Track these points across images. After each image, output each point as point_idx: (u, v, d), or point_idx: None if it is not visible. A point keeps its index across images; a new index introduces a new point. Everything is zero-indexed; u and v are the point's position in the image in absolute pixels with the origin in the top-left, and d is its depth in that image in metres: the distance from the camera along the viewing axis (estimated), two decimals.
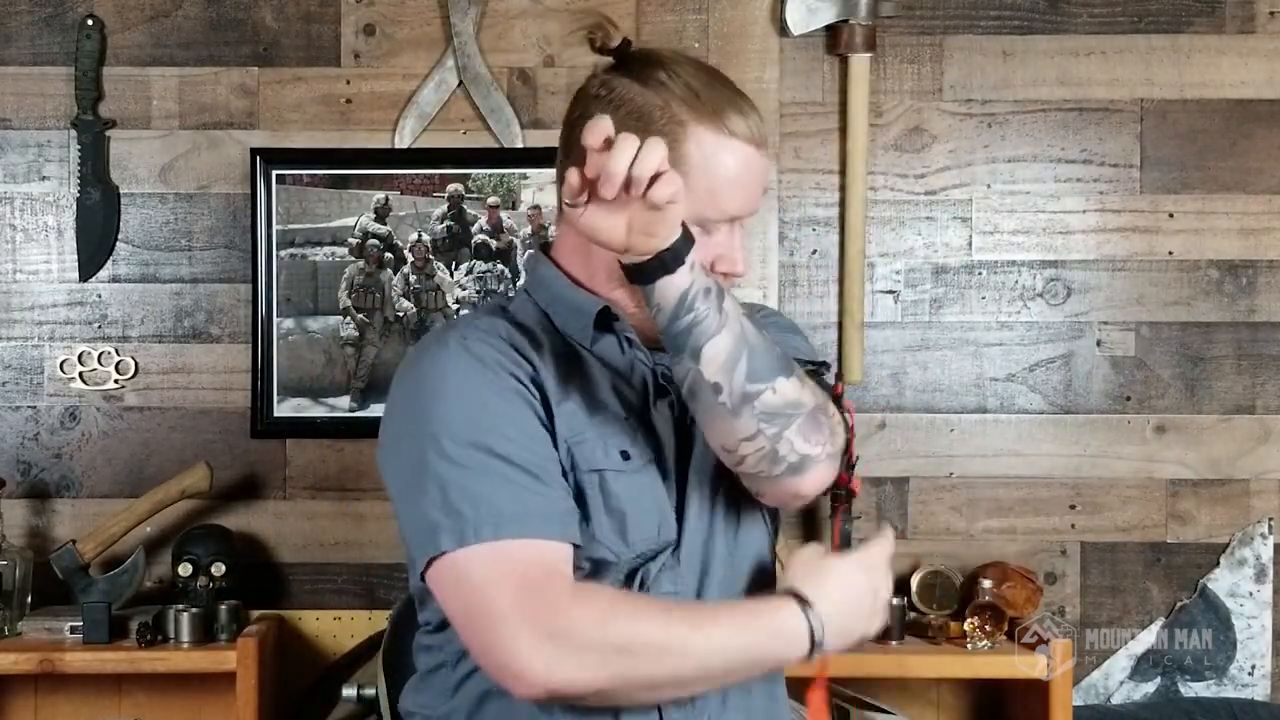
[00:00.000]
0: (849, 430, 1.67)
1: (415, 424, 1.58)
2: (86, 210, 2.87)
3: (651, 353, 1.68)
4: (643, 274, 1.48)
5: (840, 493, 1.79)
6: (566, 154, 1.67)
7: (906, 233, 2.91)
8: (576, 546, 1.57)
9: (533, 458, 1.57)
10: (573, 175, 1.44)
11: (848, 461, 1.65)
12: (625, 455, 1.62)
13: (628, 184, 1.41)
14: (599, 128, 1.42)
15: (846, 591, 1.59)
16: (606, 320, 1.66)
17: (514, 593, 1.49)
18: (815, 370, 1.67)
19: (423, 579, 1.57)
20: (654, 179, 1.42)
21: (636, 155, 1.41)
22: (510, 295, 1.85)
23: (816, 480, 1.58)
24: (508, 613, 1.49)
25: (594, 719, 1.58)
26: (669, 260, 1.47)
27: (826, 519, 2.83)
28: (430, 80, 2.86)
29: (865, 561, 1.63)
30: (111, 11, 2.87)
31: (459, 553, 1.52)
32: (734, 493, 1.66)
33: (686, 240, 1.48)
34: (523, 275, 2.32)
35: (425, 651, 1.72)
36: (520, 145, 2.85)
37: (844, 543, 2.76)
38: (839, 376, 1.69)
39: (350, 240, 2.87)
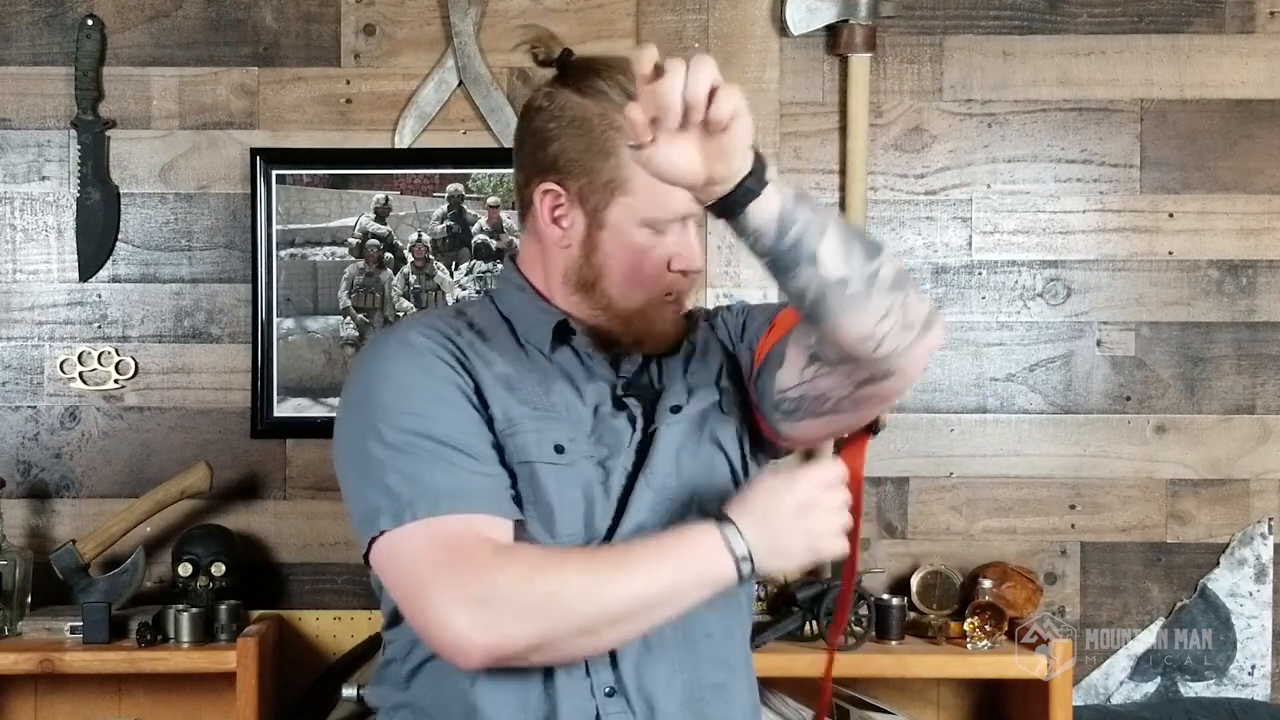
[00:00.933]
0: None
1: (358, 415, 1.64)
2: (86, 210, 2.87)
3: (612, 366, 1.73)
4: (731, 206, 1.44)
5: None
6: (525, 164, 1.71)
7: (906, 233, 2.91)
8: (519, 523, 1.61)
9: (469, 440, 1.61)
10: (633, 112, 1.38)
11: None
12: (559, 449, 1.65)
13: (687, 112, 1.36)
14: (646, 55, 1.38)
15: (771, 504, 1.58)
16: (564, 334, 1.71)
17: (439, 564, 1.53)
18: None
19: (367, 563, 1.62)
20: (710, 98, 1.36)
21: (687, 80, 1.35)
22: (477, 296, 1.89)
23: (940, 332, 1.60)
24: (433, 583, 1.52)
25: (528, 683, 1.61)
26: (753, 183, 1.43)
27: None
28: (430, 80, 2.86)
29: (796, 477, 1.61)
30: (111, 11, 2.87)
31: (395, 532, 1.56)
32: (696, 500, 1.69)
33: (759, 158, 1.44)
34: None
35: (384, 646, 1.77)
36: None
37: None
38: None
39: (350, 240, 2.87)
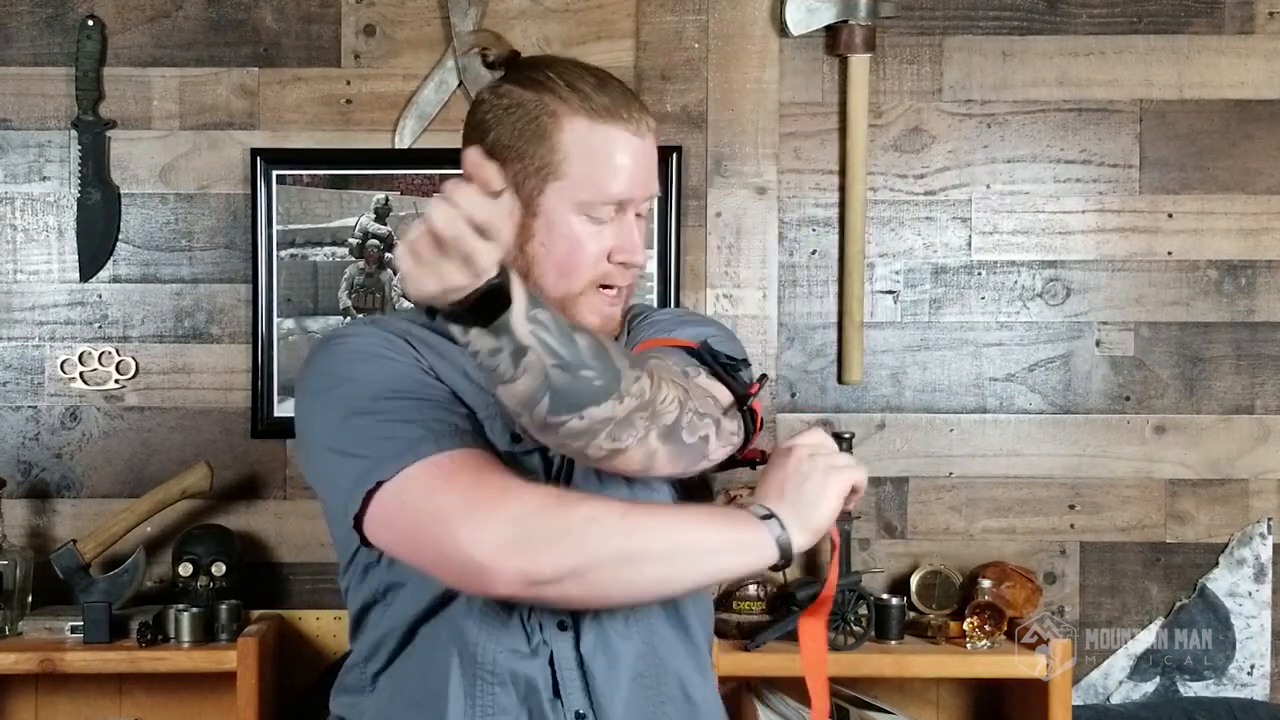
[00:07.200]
0: (755, 421, 1.67)
1: (327, 397, 1.61)
2: (87, 210, 2.87)
3: None
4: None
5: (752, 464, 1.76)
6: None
7: (906, 233, 2.91)
8: None
9: (448, 396, 1.61)
10: None
11: (745, 444, 1.69)
12: (516, 438, 1.63)
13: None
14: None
15: (798, 482, 1.58)
16: None
17: (464, 490, 1.50)
18: (734, 366, 1.69)
19: (361, 532, 1.56)
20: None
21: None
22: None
23: (631, 461, 1.55)
24: (458, 511, 1.48)
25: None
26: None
27: None
28: (430, 80, 2.86)
29: (809, 450, 1.61)
30: (112, 12, 2.87)
31: (397, 478, 1.52)
32: (636, 484, 1.67)
33: (458, 315, 1.40)
34: None
35: (350, 656, 1.76)
36: None
37: (843, 543, 2.76)
38: (762, 378, 1.72)
39: (350, 240, 2.87)
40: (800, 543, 1.57)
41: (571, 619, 1.63)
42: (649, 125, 1.67)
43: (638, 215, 1.69)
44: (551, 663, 1.63)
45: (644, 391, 1.52)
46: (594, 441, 1.50)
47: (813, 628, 1.72)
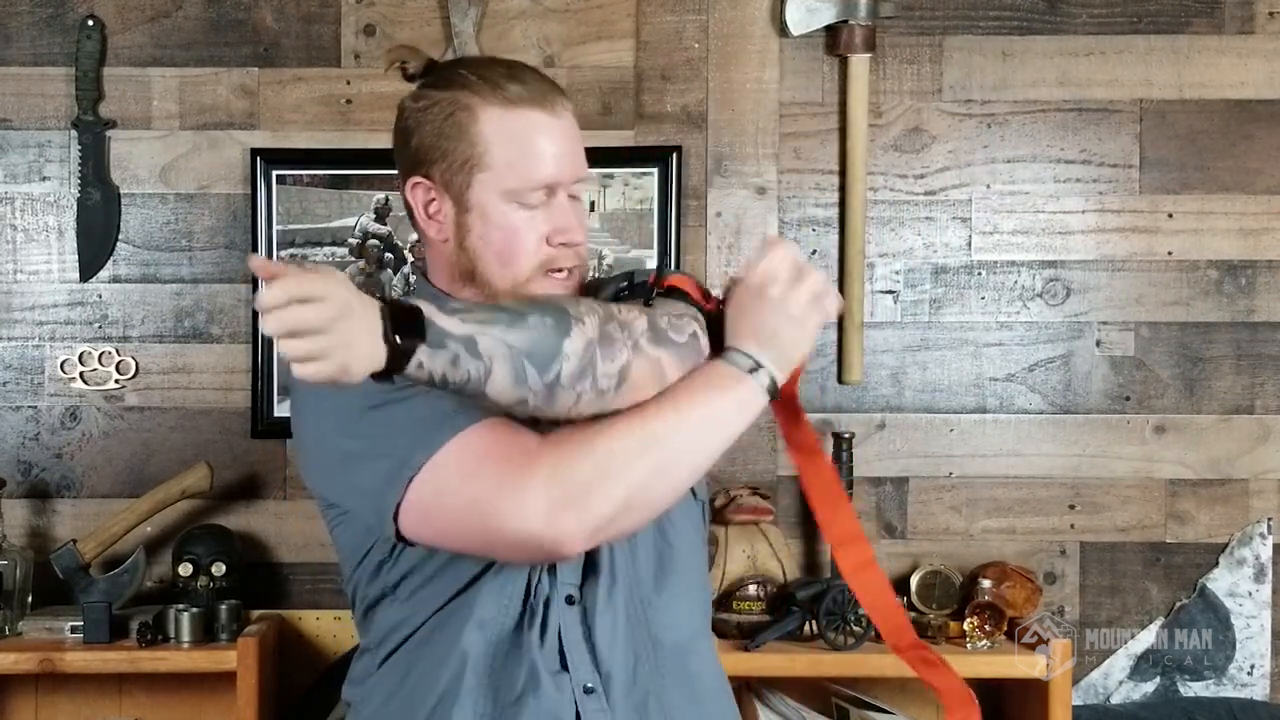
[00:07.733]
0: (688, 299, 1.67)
1: (332, 402, 1.59)
2: (87, 210, 2.87)
3: None
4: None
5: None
6: (399, 169, 1.73)
7: (906, 233, 2.91)
8: None
9: None
10: None
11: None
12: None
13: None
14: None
15: (772, 318, 1.59)
16: None
17: (491, 473, 1.51)
18: (631, 279, 1.71)
19: (398, 528, 1.57)
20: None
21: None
22: None
23: (644, 375, 1.56)
24: (497, 492, 1.50)
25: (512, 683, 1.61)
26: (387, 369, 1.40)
27: None
28: None
29: (764, 276, 1.61)
30: (112, 12, 2.87)
31: (428, 467, 1.53)
32: None
33: (395, 357, 1.39)
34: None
35: (360, 648, 1.78)
36: None
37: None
38: (660, 264, 1.74)
39: (350, 240, 2.87)
40: (782, 379, 1.61)
41: (579, 593, 1.65)
42: (565, 106, 1.69)
43: (572, 197, 1.70)
44: (559, 636, 1.64)
45: (593, 307, 1.54)
46: (596, 373, 1.51)
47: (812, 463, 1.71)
